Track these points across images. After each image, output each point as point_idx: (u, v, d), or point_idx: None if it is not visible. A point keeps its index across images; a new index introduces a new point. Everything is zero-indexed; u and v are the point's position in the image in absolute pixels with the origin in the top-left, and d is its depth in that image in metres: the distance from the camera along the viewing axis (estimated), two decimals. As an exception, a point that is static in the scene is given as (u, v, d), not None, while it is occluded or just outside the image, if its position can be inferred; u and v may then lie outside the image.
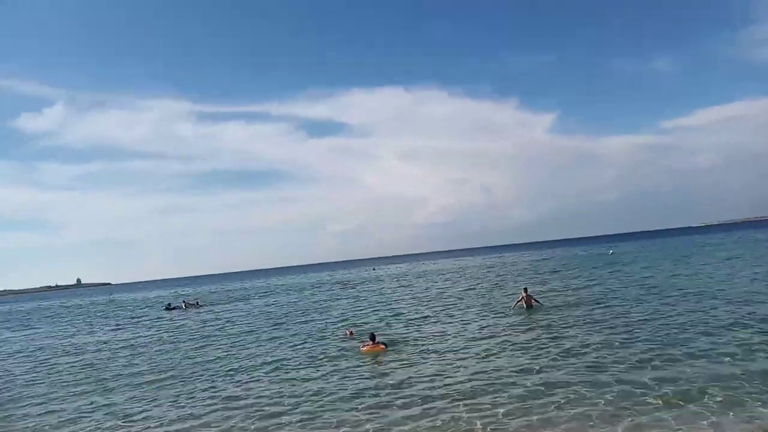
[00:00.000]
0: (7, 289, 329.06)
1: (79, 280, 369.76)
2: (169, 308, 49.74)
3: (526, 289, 25.29)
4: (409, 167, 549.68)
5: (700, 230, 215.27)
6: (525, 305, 24.26)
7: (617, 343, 15.53)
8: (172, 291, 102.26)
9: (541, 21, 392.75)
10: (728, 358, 12.79)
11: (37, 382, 18.88)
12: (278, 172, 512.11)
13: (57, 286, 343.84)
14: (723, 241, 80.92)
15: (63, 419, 13.52)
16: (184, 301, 52.04)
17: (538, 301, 24.82)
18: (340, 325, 25.62)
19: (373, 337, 18.19)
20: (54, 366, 22.12)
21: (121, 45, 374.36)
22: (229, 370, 17.20)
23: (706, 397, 10.26)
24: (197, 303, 51.46)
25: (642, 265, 47.29)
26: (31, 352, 28.10)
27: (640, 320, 19.00)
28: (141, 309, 56.69)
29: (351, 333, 21.53)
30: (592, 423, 9.54)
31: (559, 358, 14.56)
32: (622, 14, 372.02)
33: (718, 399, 10.08)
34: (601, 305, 23.59)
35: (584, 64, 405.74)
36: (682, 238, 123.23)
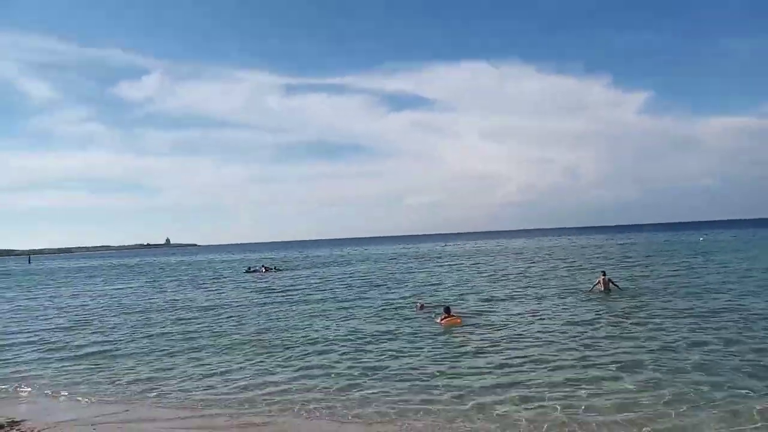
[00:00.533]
0: (106, 245, 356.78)
1: (168, 240, 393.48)
2: (249, 271, 52.14)
3: (604, 272, 24.93)
4: (491, 144, 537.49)
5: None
6: (603, 288, 23.79)
7: (695, 334, 14.90)
8: (254, 255, 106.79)
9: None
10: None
11: (136, 336, 20.31)
12: (358, 145, 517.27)
13: (148, 244, 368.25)
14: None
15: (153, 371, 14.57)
16: (263, 266, 54.33)
17: (616, 285, 24.20)
18: (412, 297, 25.85)
19: (448, 310, 18.40)
20: (148, 320, 23.87)
21: (213, 18, 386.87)
22: (305, 337, 17.59)
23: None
24: (275, 267, 53.54)
25: (734, 254, 44.03)
26: (129, 305, 30.43)
27: (720, 310, 18.19)
28: (224, 270, 59.71)
29: (421, 306, 21.64)
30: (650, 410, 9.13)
31: (634, 343, 14.15)
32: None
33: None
34: (682, 293, 22.81)
35: (683, 42, 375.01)
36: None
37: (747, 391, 10.02)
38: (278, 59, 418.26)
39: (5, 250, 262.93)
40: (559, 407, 9.65)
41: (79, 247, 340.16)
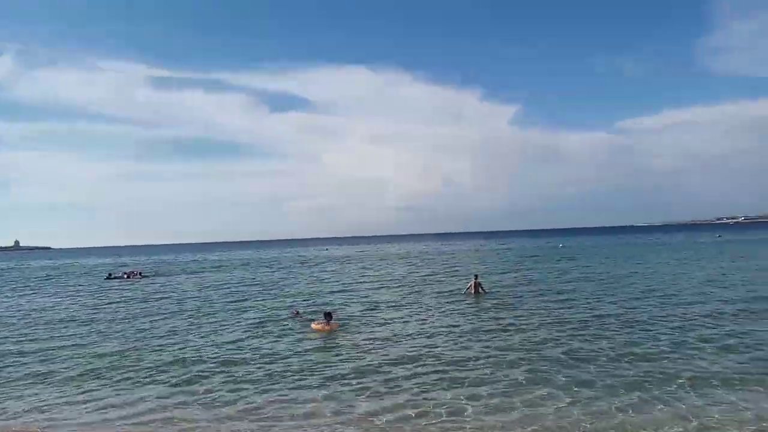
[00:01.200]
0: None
1: (17, 242, 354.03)
2: (110, 277, 47.49)
3: (476, 276, 26.72)
4: (375, 149, 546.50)
5: (647, 230, 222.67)
6: (473, 291, 25.29)
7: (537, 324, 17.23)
8: (116, 259, 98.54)
9: (512, 13, 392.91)
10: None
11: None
12: (238, 145, 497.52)
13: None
14: (662, 242, 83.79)
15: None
16: (125, 272, 49.84)
17: (483, 289, 25.69)
18: (291, 302, 24.89)
19: (328, 316, 18.08)
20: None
21: (80, 5, 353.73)
22: (161, 349, 16.04)
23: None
24: (140, 273, 49.38)
25: (586, 260, 48.23)
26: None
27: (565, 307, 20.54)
28: (80, 277, 53.97)
29: (296, 312, 20.71)
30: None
31: (496, 339, 15.43)
32: (592, 13, 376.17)
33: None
34: (536, 292, 25.59)
35: (552, 60, 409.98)
36: (630, 236, 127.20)
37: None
38: (149, 49, 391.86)
39: None
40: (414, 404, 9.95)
41: None
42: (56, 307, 27.42)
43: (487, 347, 14.43)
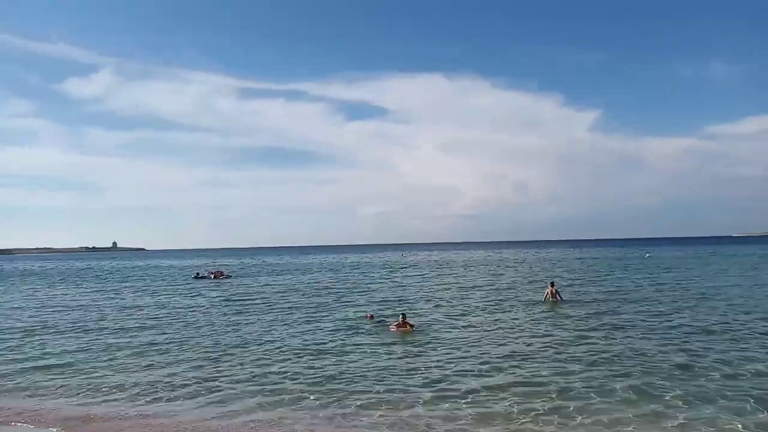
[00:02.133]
0: (48, 247, 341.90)
1: (115, 244, 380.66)
2: (197, 277, 50.57)
3: (552, 284, 26.24)
4: (446, 157, 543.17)
5: (743, 240, 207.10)
6: (551, 298, 24.96)
7: (629, 341, 15.89)
8: (204, 261, 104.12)
9: (593, 19, 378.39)
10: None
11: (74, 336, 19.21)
12: (314, 153, 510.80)
13: (94, 248, 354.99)
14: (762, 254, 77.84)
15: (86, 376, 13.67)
16: (211, 272, 52.82)
17: (561, 296, 25.32)
18: (366, 306, 25.56)
19: (403, 317, 18.78)
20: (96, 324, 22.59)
21: (167, 16, 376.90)
22: (249, 346, 17.04)
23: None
24: (224, 274, 52.13)
25: (677, 271, 45.74)
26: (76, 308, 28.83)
27: (661, 323, 18.82)
28: (171, 276, 57.77)
29: (371, 317, 21.40)
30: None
31: (576, 353, 14.65)
32: (676, 17, 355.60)
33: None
34: (622, 304, 23.96)
35: (634, 64, 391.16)
36: (719, 247, 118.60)
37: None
38: (234, 62, 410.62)
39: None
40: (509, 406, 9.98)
41: (18, 249, 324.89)
42: (157, 305, 29.80)
43: (574, 357, 14.17)
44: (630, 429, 9.06)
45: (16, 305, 31.29)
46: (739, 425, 9.01)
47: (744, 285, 31.57)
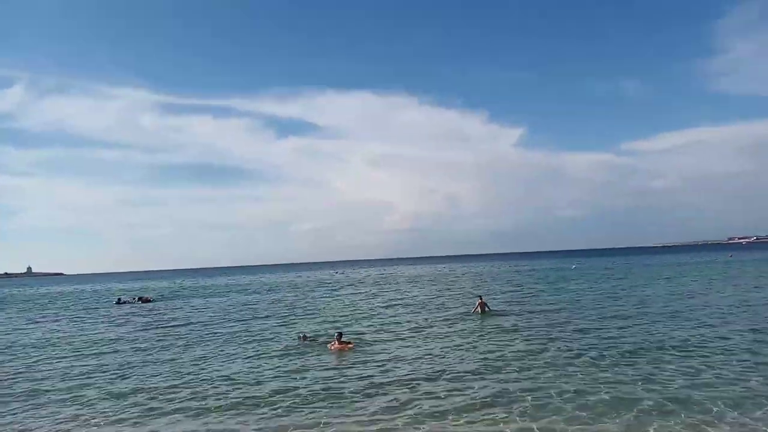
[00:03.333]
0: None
1: (29, 269, 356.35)
2: (119, 302, 47.83)
3: (481, 297, 27.64)
4: (378, 172, 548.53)
5: (659, 250, 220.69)
6: (480, 310, 26.04)
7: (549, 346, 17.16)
8: (127, 285, 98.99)
9: (514, 39, 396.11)
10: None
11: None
12: (244, 169, 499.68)
13: (6, 274, 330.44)
14: (678, 262, 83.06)
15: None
16: (135, 297, 50.16)
17: (489, 308, 26.54)
18: (299, 325, 25.12)
19: (340, 336, 18.82)
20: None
21: (86, 28, 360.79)
22: (176, 372, 16.30)
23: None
24: (148, 298, 49.69)
25: (604, 281, 47.91)
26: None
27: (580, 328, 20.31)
28: (91, 302, 54.36)
29: (304, 338, 20.83)
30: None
31: (506, 359, 15.65)
32: (592, 37, 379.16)
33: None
34: (541, 313, 25.49)
35: (554, 83, 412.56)
36: (637, 257, 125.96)
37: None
38: (156, 77, 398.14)
39: None
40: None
41: None
42: (75, 333, 27.73)
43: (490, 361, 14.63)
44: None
45: None
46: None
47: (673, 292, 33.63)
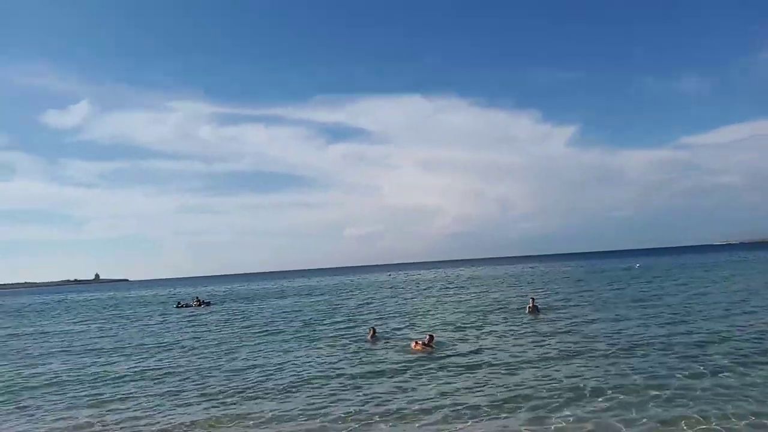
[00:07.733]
0: (28, 281, 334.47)
1: (97, 276, 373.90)
2: (179, 306, 49.23)
3: (533, 299, 27.91)
4: (427, 176, 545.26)
5: (718, 248, 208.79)
6: (530, 312, 26.34)
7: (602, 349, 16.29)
8: (189, 289, 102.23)
9: (565, 38, 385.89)
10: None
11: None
12: (296, 176, 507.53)
13: (75, 280, 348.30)
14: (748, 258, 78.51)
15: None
16: (196, 299, 51.55)
17: (538, 309, 26.70)
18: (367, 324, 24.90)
19: (431, 339, 18.23)
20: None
21: (145, 45, 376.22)
22: (240, 374, 16.32)
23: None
24: (208, 302, 50.89)
25: (666, 280, 45.74)
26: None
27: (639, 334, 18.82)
28: (154, 306, 56.29)
29: (373, 333, 21.16)
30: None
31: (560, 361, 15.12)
32: (647, 35, 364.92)
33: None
34: (599, 314, 24.90)
35: (608, 81, 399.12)
36: (711, 254, 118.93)
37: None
38: (210, 88, 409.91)
39: None
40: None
41: (1, 284, 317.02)
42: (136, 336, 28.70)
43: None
44: None
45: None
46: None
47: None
